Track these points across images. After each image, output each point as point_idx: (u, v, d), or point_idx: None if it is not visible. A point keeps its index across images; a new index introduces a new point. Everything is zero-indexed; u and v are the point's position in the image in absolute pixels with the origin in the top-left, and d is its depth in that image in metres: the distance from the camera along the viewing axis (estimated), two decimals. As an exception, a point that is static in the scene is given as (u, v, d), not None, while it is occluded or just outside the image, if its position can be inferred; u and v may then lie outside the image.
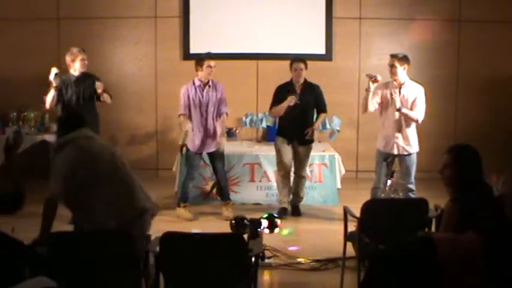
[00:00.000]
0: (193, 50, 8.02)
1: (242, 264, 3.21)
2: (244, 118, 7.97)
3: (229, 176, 6.64)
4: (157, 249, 3.22)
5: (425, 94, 5.60)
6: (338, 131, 7.78)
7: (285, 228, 5.10)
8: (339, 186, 6.81)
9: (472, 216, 2.85)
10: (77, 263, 3.13)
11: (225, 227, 4.70)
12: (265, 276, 4.52)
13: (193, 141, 6.05)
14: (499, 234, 2.61)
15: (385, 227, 3.84)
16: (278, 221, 4.84)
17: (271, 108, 6.19)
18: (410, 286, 2.50)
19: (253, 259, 3.30)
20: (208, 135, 6.08)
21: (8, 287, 2.51)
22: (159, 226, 4.08)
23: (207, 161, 6.39)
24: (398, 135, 5.60)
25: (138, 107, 8.27)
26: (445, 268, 2.48)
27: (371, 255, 3.81)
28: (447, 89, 8.11)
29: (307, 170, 6.43)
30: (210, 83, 6.05)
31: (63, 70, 5.97)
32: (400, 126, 5.59)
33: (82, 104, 5.85)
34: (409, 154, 5.62)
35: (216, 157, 6.17)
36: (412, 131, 5.64)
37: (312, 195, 6.74)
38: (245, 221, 4.64)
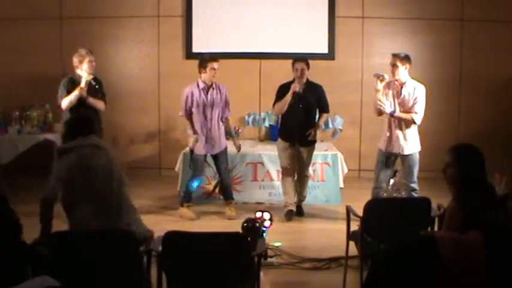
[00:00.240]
0: (195, 49, 8.01)
1: (245, 264, 3.20)
2: (246, 117, 7.98)
3: (232, 175, 6.64)
4: (160, 248, 3.22)
5: (427, 93, 5.58)
6: (341, 130, 7.78)
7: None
8: (341, 185, 6.80)
9: (475, 215, 2.84)
10: (78, 263, 3.13)
11: (228, 226, 4.70)
12: (268, 276, 4.51)
13: (198, 144, 6.04)
14: (501, 234, 2.61)
15: (387, 226, 3.85)
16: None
17: (274, 105, 6.18)
18: (413, 285, 2.50)
19: (255, 258, 3.30)
20: (211, 137, 6.06)
21: (12, 286, 2.52)
22: (161, 225, 4.09)
23: (211, 162, 6.37)
24: (400, 134, 5.60)
25: (141, 106, 8.26)
26: (448, 267, 2.48)
27: (374, 255, 3.82)
28: (450, 88, 8.09)
29: (310, 169, 6.42)
30: (214, 85, 6.04)
31: (67, 71, 5.96)
32: (401, 126, 5.59)
33: (86, 104, 5.84)
34: (411, 153, 5.62)
35: (220, 158, 6.16)
36: (413, 131, 5.63)
37: (315, 194, 6.74)
38: (256, 224, 4.62)
